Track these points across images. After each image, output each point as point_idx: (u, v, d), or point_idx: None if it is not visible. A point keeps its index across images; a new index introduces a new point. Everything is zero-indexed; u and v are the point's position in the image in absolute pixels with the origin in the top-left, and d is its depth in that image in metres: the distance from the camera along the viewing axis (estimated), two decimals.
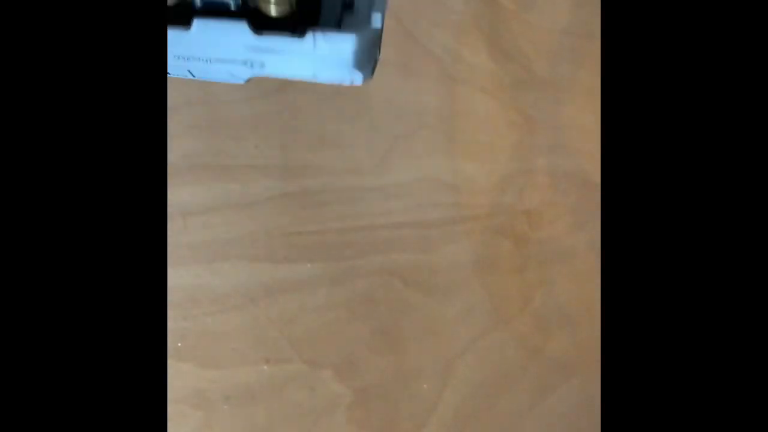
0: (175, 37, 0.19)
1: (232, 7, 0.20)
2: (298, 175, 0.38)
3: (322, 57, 0.20)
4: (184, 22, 0.19)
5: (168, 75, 0.22)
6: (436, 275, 0.45)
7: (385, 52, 0.43)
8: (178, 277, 0.33)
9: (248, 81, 0.21)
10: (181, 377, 0.33)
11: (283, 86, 0.37)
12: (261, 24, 0.19)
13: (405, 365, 0.42)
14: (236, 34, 0.19)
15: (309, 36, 0.19)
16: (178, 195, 0.33)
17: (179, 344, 0.33)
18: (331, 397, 0.39)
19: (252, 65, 0.20)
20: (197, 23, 0.19)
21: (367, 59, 0.21)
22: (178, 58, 0.20)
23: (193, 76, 0.22)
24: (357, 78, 0.20)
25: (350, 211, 0.41)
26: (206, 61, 0.20)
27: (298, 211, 0.38)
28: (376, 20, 0.20)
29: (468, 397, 0.46)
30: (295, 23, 0.20)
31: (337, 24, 0.21)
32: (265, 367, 0.36)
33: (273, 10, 0.20)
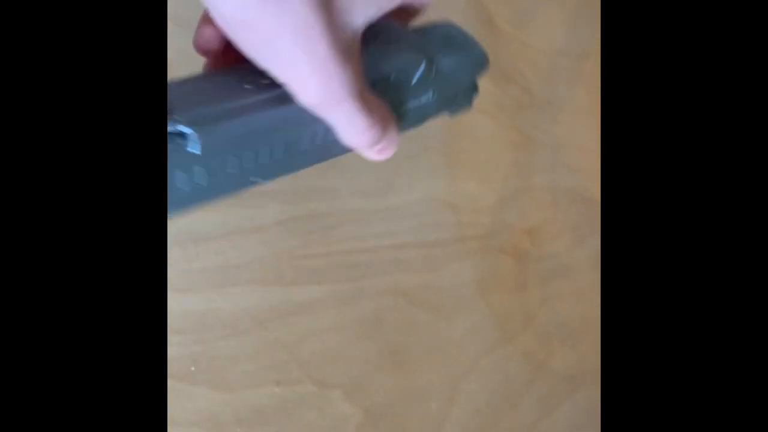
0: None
1: None
2: (306, 198, 0.39)
3: None
4: None
5: None
6: (441, 294, 0.46)
7: None
8: (191, 303, 0.34)
9: None
10: (195, 401, 0.34)
11: None
12: None
13: (413, 384, 0.43)
14: None
15: None
16: (190, 222, 0.34)
17: (192, 368, 0.34)
18: (341, 417, 0.39)
19: None
20: None
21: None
22: None
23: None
24: None
25: (356, 233, 0.41)
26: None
27: (306, 234, 0.39)
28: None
29: (475, 414, 0.47)
30: None
31: None
32: (276, 389, 0.37)
33: None
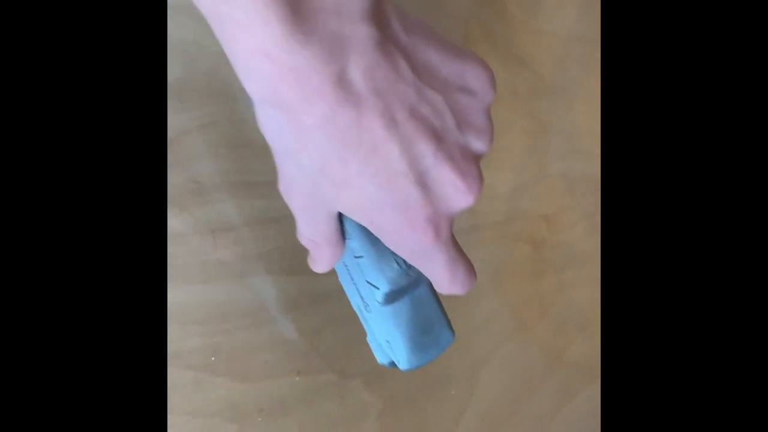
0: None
1: None
2: None
3: None
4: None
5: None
6: None
7: None
8: (210, 293, 0.34)
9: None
10: (215, 391, 0.34)
11: None
12: None
13: (432, 372, 0.43)
14: None
15: None
16: (208, 213, 0.34)
17: (213, 359, 0.34)
18: (361, 406, 0.39)
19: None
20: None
21: None
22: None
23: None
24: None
25: None
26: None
27: None
28: None
29: (494, 402, 0.47)
30: None
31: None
32: (297, 378, 0.36)
33: None
